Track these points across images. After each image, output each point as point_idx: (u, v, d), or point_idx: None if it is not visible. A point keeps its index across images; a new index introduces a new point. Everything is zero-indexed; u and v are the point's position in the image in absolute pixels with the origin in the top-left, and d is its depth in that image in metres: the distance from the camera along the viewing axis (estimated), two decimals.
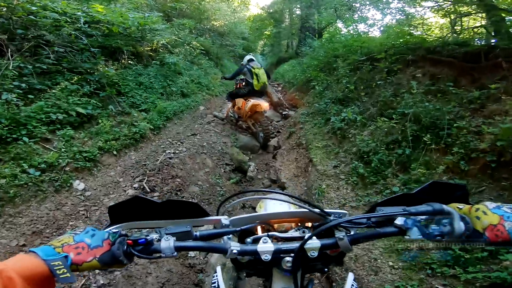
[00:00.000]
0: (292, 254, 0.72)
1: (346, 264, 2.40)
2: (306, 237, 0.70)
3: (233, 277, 2.05)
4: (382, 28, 8.73)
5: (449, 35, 5.17)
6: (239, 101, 5.90)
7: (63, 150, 3.37)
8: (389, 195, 2.79)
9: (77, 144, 3.54)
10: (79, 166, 3.35)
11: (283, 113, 7.93)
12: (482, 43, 3.97)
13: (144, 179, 3.46)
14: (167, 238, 0.69)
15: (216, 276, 0.94)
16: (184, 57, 8.53)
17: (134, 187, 3.34)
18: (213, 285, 0.93)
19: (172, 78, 6.96)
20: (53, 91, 3.83)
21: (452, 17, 5.47)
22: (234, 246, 0.72)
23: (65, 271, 0.57)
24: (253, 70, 5.47)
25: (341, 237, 0.71)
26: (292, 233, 0.81)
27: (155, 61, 6.60)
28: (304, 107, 6.76)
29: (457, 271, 2.00)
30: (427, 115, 2.87)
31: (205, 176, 3.99)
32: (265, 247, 0.72)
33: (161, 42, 7.33)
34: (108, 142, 3.85)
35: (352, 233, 0.73)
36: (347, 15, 11.72)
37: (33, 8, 3.99)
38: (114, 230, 0.70)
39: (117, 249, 0.65)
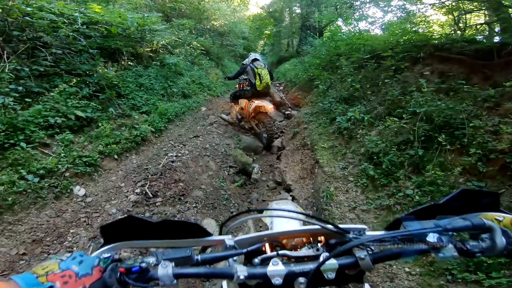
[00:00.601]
0: (305, 278, 0.65)
1: None
2: (322, 260, 0.63)
3: None
4: (383, 26, 8.63)
5: (453, 32, 5.08)
6: (243, 102, 5.79)
7: (62, 155, 3.27)
8: (402, 198, 2.71)
9: (77, 149, 3.44)
10: (79, 171, 3.26)
11: (286, 112, 7.83)
12: (495, 40, 3.84)
13: (146, 184, 3.36)
14: (165, 264, 0.62)
15: None
16: (184, 58, 8.46)
17: (136, 193, 3.24)
18: None
19: (173, 79, 6.87)
20: (51, 94, 3.75)
21: (456, 14, 5.38)
22: (241, 270, 0.65)
23: None
24: (256, 70, 5.30)
25: (363, 256, 0.64)
26: (305, 252, 0.73)
27: (155, 62, 6.50)
28: (307, 106, 6.66)
29: (479, 276, 1.90)
30: (440, 114, 2.75)
31: (208, 180, 3.88)
32: (276, 269, 0.65)
33: (161, 42, 7.25)
34: (108, 146, 3.75)
35: (374, 250, 0.66)
36: (348, 13, 11.62)
37: (29, 9, 3.88)
38: (105, 255, 0.63)
39: (109, 277, 0.59)
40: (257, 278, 0.66)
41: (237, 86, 6.65)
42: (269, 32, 21.85)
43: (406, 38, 4.45)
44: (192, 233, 0.75)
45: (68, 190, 3.05)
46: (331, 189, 3.21)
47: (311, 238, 0.81)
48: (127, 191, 3.29)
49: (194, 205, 3.30)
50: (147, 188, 3.28)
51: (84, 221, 2.81)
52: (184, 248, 0.69)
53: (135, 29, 6.17)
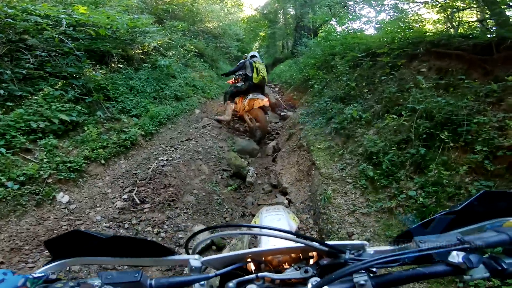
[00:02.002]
0: None
1: None
2: (311, 285, 0.52)
3: None
4: (377, 26, 8.56)
5: (445, 30, 5.00)
6: (238, 98, 5.89)
7: (45, 160, 3.10)
8: (404, 200, 2.56)
9: (61, 154, 3.27)
10: (62, 177, 3.09)
11: (281, 114, 7.71)
12: (488, 36, 3.73)
13: (134, 189, 3.19)
14: None
15: None
16: (177, 60, 8.31)
17: (124, 199, 3.07)
18: None
19: (165, 81, 6.70)
20: (35, 97, 3.57)
21: (448, 12, 5.33)
22: None
23: None
24: (254, 64, 5.61)
25: (362, 282, 0.50)
26: (291, 273, 0.61)
27: (145, 64, 6.33)
28: (303, 107, 6.53)
29: (494, 283, 1.76)
30: (441, 111, 2.61)
31: (201, 184, 3.72)
32: None
33: (153, 44, 7.10)
34: (95, 151, 3.58)
35: (377, 273, 0.52)
36: (341, 13, 11.56)
37: (10, 10, 3.71)
38: (37, 275, 0.52)
39: None
40: None
41: (231, 81, 6.72)
42: (263, 34, 21.82)
43: (401, 35, 4.33)
44: (149, 251, 0.63)
45: (51, 197, 2.88)
46: (328, 191, 3.07)
47: (300, 254, 0.70)
48: (114, 197, 3.12)
49: (184, 211, 3.14)
50: (135, 194, 3.12)
51: (66, 229, 2.64)
52: (133, 270, 0.55)
53: (126, 31, 6.03)
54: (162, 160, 3.90)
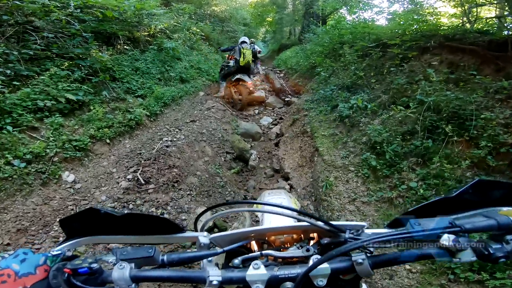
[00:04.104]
0: (292, 283, 0.55)
1: None
2: (311, 264, 0.53)
3: None
4: (389, 16, 8.37)
5: (461, 25, 4.90)
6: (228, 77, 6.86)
7: (51, 139, 3.14)
8: (405, 191, 2.59)
9: (67, 133, 3.30)
10: (68, 156, 3.13)
11: (286, 99, 7.65)
12: (510, 33, 3.65)
13: (139, 169, 3.23)
14: (121, 265, 0.54)
15: None
16: (183, 43, 8.23)
17: (128, 179, 3.12)
18: None
19: (171, 63, 6.66)
20: (42, 77, 3.59)
21: (466, 7, 5.21)
22: (215, 274, 0.56)
23: None
24: (242, 50, 6.42)
25: (360, 261, 0.54)
26: (293, 252, 0.64)
27: (151, 46, 6.29)
28: (308, 93, 6.50)
29: (483, 276, 1.80)
30: (448, 105, 2.59)
31: (204, 166, 3.76)
32: (257, 274, 0.56)
33: (159, 27, 7.02)
34: (100, 130, 3.61)
35: (374, 253, 0.55)
36: (352, 2, 11.28)
37: None
38: (55, 253, 0.56)
39: (53, 278, 0.52)
40: (235, 283, 0.57)
41: (227, 56, 7.65)
42: (271, 19, 21.36)
43: (414, 27, 4.23)
44: (161, 228, 0.65)
45: (57, 176, 2.92)
46: (330, 178, 3.10)
47: (302, 235, 0.73)
48: (119, 177, 3.17)
49: (188, 193, 3.19)
50: (139, 174, 3.16)
51: (72, 209, 2.70)
52: (147, 246, 0.59)
53: (132, 13, 5.96)
54: (166, 140, 3.93)
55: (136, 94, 4.85)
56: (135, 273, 0.53)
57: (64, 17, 4.26)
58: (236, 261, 0.61)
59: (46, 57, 3.90)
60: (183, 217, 2.87)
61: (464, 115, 2.48)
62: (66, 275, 0.52)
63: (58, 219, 2.54)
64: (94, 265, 0.53)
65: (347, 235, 0.58)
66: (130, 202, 2.92)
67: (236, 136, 4.74)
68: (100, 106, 3.94)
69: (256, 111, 6.98)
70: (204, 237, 0.64)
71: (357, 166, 3.06)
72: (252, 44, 7.03)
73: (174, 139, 4.00)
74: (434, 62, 3.37)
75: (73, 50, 4.17)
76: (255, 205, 1.18)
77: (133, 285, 0.53)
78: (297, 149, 4.36)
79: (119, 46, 5.62)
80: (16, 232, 2.34)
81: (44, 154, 2.94)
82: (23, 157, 2.79)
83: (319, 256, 0.58)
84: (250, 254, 0.63)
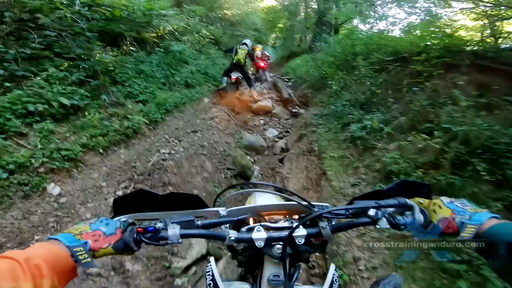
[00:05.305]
0: (282, 242, 0.78)
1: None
2: (294, 226, 0.77)
3: None
4: (405, 28, 8.06)
5: (484, 39, 4.59)
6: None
7: (39, 147, 2.91)
8: None
9: (56, 140, 3.07)
10: (55, 166, 2.89)
11: (293, 110, 7.36)
12: None
13: (130, 185, 2.98)
14: (173, 226, 0.73)
15: (210, 265, 0.92)
16: (191, 46, 8.04)
17: (117, 195, 2.87)
18: (207, 273, 0.90)
19: (177, 67, 6.46)
20: (38, 78, 3.37)
21: (489, 21, 4.91)
22: (232, 234, 0.78)
23: (86, 256, 0.62)
24: (238, 49, 7.13)
25: (324, 226, 0.78)
26: (281, 224, 0.87)
27: (158, 49, 6.09)
28: (317, 106, 6.22)
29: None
30: (480, 136, 2.27)
31: (202, 183, 3.49)
32: (259, 235, 0.78)
33: (168, 28, 6.84)
34: (94, 138, 3.38)
35: (333, 223, 0.81)
36: (367, 12, 11.01)
37: None
38: (123, 219, 0.75)
39: (128, 237, 0.69)
40: (244, 242, 0.80)
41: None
42: (282, 26, 21.22)
43: (436, 41, 3.92)
44: (192, 204, 0.85)
45: (41, 188, 2.69)
46: None
47: (287, 216, 0.94)
48: (108, 193, 2.92)
49: (190, 193, 2.92)
50: (130, 191, 2.91)
51: (52, 227, 2.46)
52: (187, 214, 0.81)
53: (142, 13, 5.78)
54: (163, 153, 3.67)
55: (137, 99, 4.63)
56: (182, 232, 0.72)
57: (70, 15, 4.05)
58: (243, 229, 0.85)
59: (45, 56, 3.70)
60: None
61: (498, 150, 2.16)
62: (136, 234, 0.71)
63: (36, 237, 2.30)
64: (157, 226, 0.72)
65: (316, 209, 0.82)
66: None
67: (239, 151, 4.47)
68: (97, 111, 3.72)
69: (262, 122, 6.71)
70: (223, 210, 0.88)
71: None
72: (253, 45, 8.03)
73: (172, 152, 3.74)
74: (460, 82, 3.04)
75: (75, 50, 3.97)
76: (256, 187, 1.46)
77: (181, 240, 0.71)
78: (303, 168, 4.07)
79: (125, 47, 5.44)
80: None
81: (29, 164, 2.72)
82: (6, 166, 2.57)
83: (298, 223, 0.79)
84: (252, 225, 0.86)
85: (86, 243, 0.63)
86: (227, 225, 0.83)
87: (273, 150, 5.32)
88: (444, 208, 0.70)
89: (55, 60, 3.76)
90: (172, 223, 0.74)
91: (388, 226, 0.74)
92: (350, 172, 3.20)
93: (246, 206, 0.92)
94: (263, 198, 1.26)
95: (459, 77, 3.10)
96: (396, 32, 8.87)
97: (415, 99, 3.24)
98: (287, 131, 6.22)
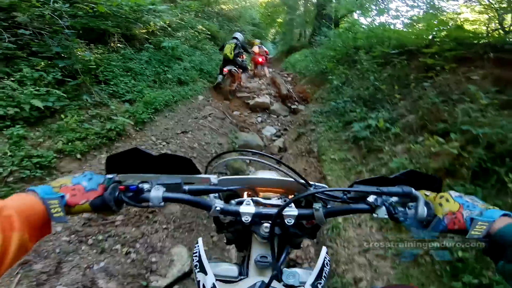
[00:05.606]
0: (270, 219, 0.73)
1: None
2: (284, 204, 0.71)
3: None
4: (410, 20, 7.73)
5: (487, 32, 4.27)
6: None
7: (8, 154, 2.62)
8: (435, 248, 2.01)
9: (27, 147, 2.78)
10: (26, 175, 2.59)
11: (292, 106, 7.04)
12: None
13: None
14: (157, 188, 0.70)
15: (198, 246, 0.83)
16: (186, 41, 7.73)
17: None
18: (194, 254, 0.82)
19: (169, 63, 6.13)
20: (11, 79, 3.09)
21: (494, 13, 4.60)
22: (218, 203, 0.73)
23: (59, 210, 0.58)
24: (226, 44, 7.22)
25: (317, 208, 0.71)
26: (274, 201, 0.83)
27: (146, 45, 5.77)
28: (317, 103, 5.90)
29: None
30: (504, 139, 1.95)
31: None
32: (247, 208, 0.73)
33: (160, 24, 6.52)
34: (70, 143, 3.07)
35: (328, 206, 0.74)
36: (368, 4, 10.62)
37: None
38: (109, 176, 0.71)
39: (108, 194, 0.65)
40: (230, 215, 0.75)
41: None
42: (281, 20, 20.86)
43: (445, 33, 3.56)
44: (184, 169, 0.80)
45: None
46: (338, 219, 2.51)
47: (283, 190, 0.92)
48: None
49: (164, 226, 2.63)
50: None
51: None
52: (176, 177, 0.75)
53: (130, 9, 5.46)
54: None
55: (124, 99, 4.32)
56: (166, 195, 0.69)
57: (48, 13, 3.78)
58: (233, 201, 0.82)
59: (21, 56, 3.42)
60: (153, 259, 2.32)
61: None
62: (117, 193, 0.67)
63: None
64: (140, 185, 0.70)
65: (312, 188, 0.78)
66: (90, 237, 2.38)
67: (232, 154, 4.17)
68: (76, 113, 3.42)
69: (259, 119, 6.40)
70: (214, 178, 0.82)
71: None
72: (244, 38, 7.99)
73: None
74: (475, 76, 2.70)
75: (54, 49, 3.68)
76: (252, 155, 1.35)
77: (163, 203, 0.68)
78: (301, 171, 3.77)
79: (112, 44, 5.14)
80: None
81: None
82: None
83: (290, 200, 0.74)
84: (243, 198, 0.84)
85: (63, 196, 0.60)
86: (216, 195, 0.81)
87: (271, 149, 5.02)
88: (452, 201, 0.64)
89: (32, 60, 3.48)
90: (157, 184, 0.71)
91: (387, 216, 0.68)
92: (353, 177, 2.89)
93: (239, 176, 0.88)
94: (263, 173, 1.19)
95: (474, 71, 2.76)
96: (398, 26, 8.56)
97: (425, 95, 2.91)
98: (285, 129, 5.93)
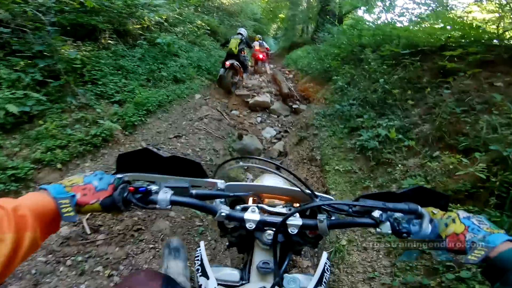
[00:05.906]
0: (274, 228, 0.73)
1: None
2: (289, 213, 0.71)
3: None
4: (418, 18, 7.39)
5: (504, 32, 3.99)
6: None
7: None
8: (450, 281, 1.80)
9: (2, 157, 2.51)
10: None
11: (293, 106, 6.73)
12: None
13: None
14: (165, 191, 0.71)
15: (200, 250, 0.86)
16: (184, 37, 7.43)
17: (72, 228, 2.32)
18: (196, 258, 0.85)
19: (164, 60, 5.83)
20: None
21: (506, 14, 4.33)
22: (224, 209, 0.74)
23: (70, 209, 0.59)
24: (231, 39, 7.23)
25: (322, 219, 0.70)
26: (279, 209, 0.82)
27: (140, 41, 5.48)
28: (320, 104, 5.61)
29: None
30: None
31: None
32: (251, 215, 0.74)
33: (156, 18, 6.21)
34: (50, 152, 2.81)
35: (332, 218, 0.74)
36: (374, 1, 10.26)
37: None
38: (119, 176, 0.71)
39: (117, 195, 0.66)
40: (235, 220, 0.75)
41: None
42: (283, 16, 20.47)
43: (461, 33, 3.23)
44: (193, 172, 0.81)
45: None
46: (342, 242, 2.24)
47: (289, 199, 0.91)
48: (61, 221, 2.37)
49: (151, 245, 2.37)
50: (86, 219, 2.36)
51: None
52: (184, 181, 0.76)
53: (123, 3, 5.16)
54: None
55: (112, 100, 4.04)
56: (173, 198, 0.70)
57: (30, 9, 3.50)
58: (238, 207, 0.80)
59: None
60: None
61: None
62: (126, 193, 0.68)
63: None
64: (149, 187, 0.71)
65: (318, 199, 0.77)
66: (68, 257, 2.13)
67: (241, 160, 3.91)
68: (58, 117, 3.16)
69: (259, 119, 6.13)
70: (221, 183, 0.83)
71: None
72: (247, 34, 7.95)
73: None
74: (499, 83, 2.40)
75: (34, 47, 3.40)
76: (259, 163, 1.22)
77: (170, 206, 0.69)
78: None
79: (103, 41, 4.85)
80: None
81: None
82: None
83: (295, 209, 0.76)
84: (248, 204, 0.83)
85: (74, 196, 0.61)
86: (223, 200, 0.80)
87: (270, 153, 4.75)
88: (458, 223, 0.61)
89: (10, 60, 3.20)
90: (165, 187, 0.72)
91: (390, 232, 0.67)
92: (359, 192, 2.61)
93: (246, 183, 0.95)
94: (271, 181, 1.19)
95: (497, 78, 2.45)
96: (405, 24, 8.25)
97: (442, 102, 2.60)
98: (286, 131, 5.64)
